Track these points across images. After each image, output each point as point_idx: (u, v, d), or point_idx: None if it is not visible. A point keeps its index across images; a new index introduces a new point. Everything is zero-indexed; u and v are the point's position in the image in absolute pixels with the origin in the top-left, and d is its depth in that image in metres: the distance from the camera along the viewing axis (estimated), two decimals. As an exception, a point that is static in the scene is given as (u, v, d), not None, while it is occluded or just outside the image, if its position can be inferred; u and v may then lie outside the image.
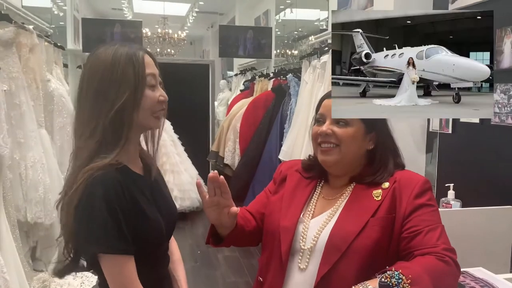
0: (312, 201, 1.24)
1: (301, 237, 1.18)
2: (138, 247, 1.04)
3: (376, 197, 1.15)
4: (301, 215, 1.22)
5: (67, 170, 1.10)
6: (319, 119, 1.24)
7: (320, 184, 1.28)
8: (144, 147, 1.22)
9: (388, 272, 0.96)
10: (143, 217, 1.07)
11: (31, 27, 3.34)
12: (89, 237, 0.99)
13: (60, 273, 1.13)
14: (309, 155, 1.33)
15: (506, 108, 2.25)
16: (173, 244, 1.32)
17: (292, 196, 1.26)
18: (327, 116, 1.21)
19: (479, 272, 1.12)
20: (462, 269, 1.06)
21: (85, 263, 1.10)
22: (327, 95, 1.27)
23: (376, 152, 1.22)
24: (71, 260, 1.10)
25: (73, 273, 3.28)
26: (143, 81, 1.06)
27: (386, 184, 1.16)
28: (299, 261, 1.16)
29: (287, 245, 1.17)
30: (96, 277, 3.35)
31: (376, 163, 1.21)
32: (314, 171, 1.29)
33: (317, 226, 1.17)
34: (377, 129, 1.22)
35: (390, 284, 0.93)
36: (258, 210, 1.33)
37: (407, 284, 0.92)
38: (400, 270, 0.95)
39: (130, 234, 1.02)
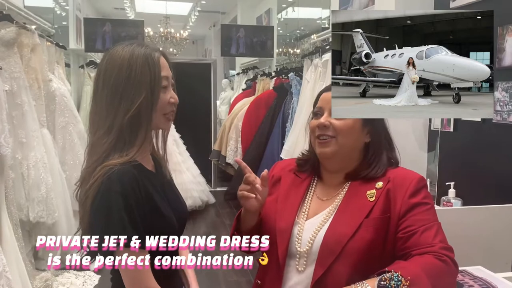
0: (306, 202, 1.23)
1: (297, 240, 1.17)
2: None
3: (370, 197, 1.14)
4: (296, 217, 1.21)
5: (83, 163, 1.12)
6: (317, 113, 1.24)
7: (314, 183, 1.27)
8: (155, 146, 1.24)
9: (387, 274, 0.95)
10: (157, 213, 1.09)
11: (33, 27, 3.35)
12: (106, 230, 1.01)
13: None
14: (302, 152, 1.33)
15: (507, 106, 2.24)
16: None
17: (286, 197, 1.26)
18: (325, 109, 1.21)
19: (478, 271, 1.11)
20: (461, 268, 1.06)
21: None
22: (325, 89, 1.27)
23: (370, 145, 1.21)
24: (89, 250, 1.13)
25: (75, 272, 3.29)
26: (158, 83, 1.08)
27: (380, 184, 1.15)
28: (297, 263, 1.16)
29: (284, 248, 1.17)
30: (99, 276, 3.33)
31: (369, 156, 1.20)
32: (308, 166, 1.29)
33: (312, 228, 1.16)
34: (374, 122, 1.22)
35: (389, 286, 0.92)
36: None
37: (406, 286, 0.92)
38: (400, 272, 0.94)
39: (144, 230, 1.04)
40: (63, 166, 3.45)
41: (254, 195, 1.15)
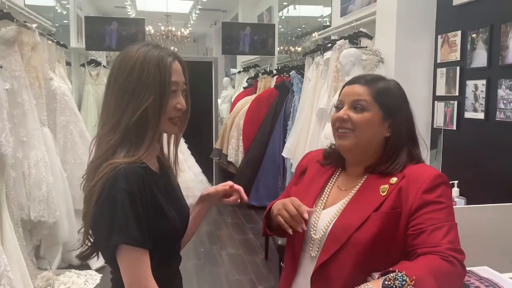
0: (326, 191, 1.26)
1: (313, 227, 1.19)
2: (153, 244, 1.05)
3: (382, 192, 1.13)
4: (314, 205, 1.24)
5: (89, 156, 1.12)
6: (338, 106, 1.24)
7: (337, 173, 1.29)
8: (165, 150, 1.24)
9: (391, 274, 0.94)
10: (161, 214, 1.08)
11: (34, 25, 3.34)
12: (111, 228, 1.00)
13: (84, 258, 1.17)
14: (328, 145, 1.35)
15: (511, 104, 2.22)
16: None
17: (308, 186, 1.29)
18: (345, 102, 1.21)
19: (484, 271, 1.10)
20: (466, 268, 1.04)
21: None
22: (348, 82, 1.26)
23: (390, 140, 1.20)
24: (91, 245, 1.13)
25: (77, 271, 3.28)
26: (168, 88, 1.08)
27: (394, 180, 1.14)
28: (311, 249, 1.19)
29: (300, 234, 1.20)
30: (101, 275, 3.32)
31: (387, 151, 1.19)
32: (332, 158, 1.31)
33: (327, 218, 1.18)
34: (395, 116, 1.20)
35: (394, 286, 0.91)
36: None
37: (411, 286, 0.90)
38: (404, 272, 0.93)
39: (148, 230, 1.03)
40: (64, 165, 3.44)
41: (290, 229, 1.16)
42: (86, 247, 1.13)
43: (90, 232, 1.11)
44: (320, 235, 1.17)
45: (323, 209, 1.22)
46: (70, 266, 3.38)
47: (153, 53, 1.08)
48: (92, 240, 1.12)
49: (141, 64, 1.06)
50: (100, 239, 1.07)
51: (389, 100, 1.20)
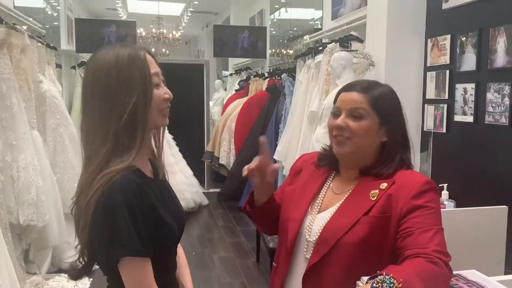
0: (321, 195, 1.28)
1: (307, 230, 1.23)
2: (153, 251, 1.03)
3: (372, 197, 1.16)
4: (309, 209, 1.27)
5: (81, 175, 1.07)
6: (335, 113, 1.25)
7: (331, 176, 1.31)
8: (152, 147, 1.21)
9: (379, 277, 0.95)
10: (159, 221, 1.06)
11: (24, 27, 3.32)
12: (112, 241, 0.97)
13: (76, 276, 1.15)
14: (323, 147, 1.37)
15: (500, 107, 2.24)
16: (180, 249, 1.32)
17: (303, 188, 1.31)
18: (343, 110, 1.22)
19: (472, 274, 1.11)
20: (455, 272, 1.05)
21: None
22: (344, 89, 1.27)
23: (386, 144, 1.22)
24: (86, 263, 1.10)
25: (67, 276, 3.25)
26: (150, 81, 1.06)
27: (384, 185, 1.17)
28: (305, 251, 1.22)
29: (293, 236, 1.24)
30: (91, 279, 3.28)
31: (382, 156, 1.22)
32: (327, 161, 1.33)
33: (321, 222, 1.21)
34: (392, 122, 1.22)
35: None
36: (277, 200, 1.41)
37: None
38: (392, 274, 0.93)
39: (148, 238, 1.02)
40: (54, 168, 3.41)
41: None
42: (81, 265, 1.10)
43: (86, 251, 1.07)
44: (314, 238, 1.20)
45: (318, 213, 1.24)
46: (60, 270, 3.35)
47: (124, 52, 1.05)
48: (86, 258, 1.09)
49: (115, 66, 1.03)
50: (99, 253, 1.04)
51: (386, 106, 1.22)
